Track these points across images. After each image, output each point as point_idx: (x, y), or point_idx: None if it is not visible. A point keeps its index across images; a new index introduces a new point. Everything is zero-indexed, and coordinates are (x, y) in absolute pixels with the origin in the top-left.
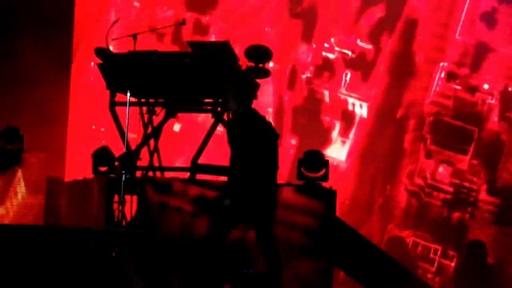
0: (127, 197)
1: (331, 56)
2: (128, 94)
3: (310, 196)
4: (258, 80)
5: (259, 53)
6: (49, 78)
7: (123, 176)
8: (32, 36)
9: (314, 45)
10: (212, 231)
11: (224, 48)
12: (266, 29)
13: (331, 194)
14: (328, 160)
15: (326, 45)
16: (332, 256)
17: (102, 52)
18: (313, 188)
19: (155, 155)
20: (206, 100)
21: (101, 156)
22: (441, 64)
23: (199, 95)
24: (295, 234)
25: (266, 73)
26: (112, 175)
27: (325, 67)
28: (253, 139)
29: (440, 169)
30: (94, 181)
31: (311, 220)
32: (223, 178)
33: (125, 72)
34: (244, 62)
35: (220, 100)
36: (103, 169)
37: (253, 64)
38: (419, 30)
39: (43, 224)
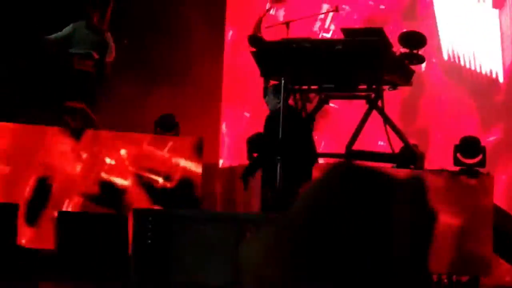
0: None
1: None
2: (283, 81)
3: (468, 182)
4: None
5: (414, 39)
6: (204, 65)
7: (278, 162)
8: (192, 23)
9: None
10: None
11: (377, 34)
12: None
13: (489, 180)
14: (485, 146)
15: None
16: (492, 242)
17: (255, 40)
18: (470, 174)
19: None
20: (360, 87)
21: (256, 142)
22: None
23: (352, 82)
24: (453, 220)
25: (420, 60)
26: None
27: None
28: (289, 132)
29: None
30: None
31: (468, 206)
32: (378, 164)
33: (279, 59)
34: (397, 49)
35: (374, 86)
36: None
37: (407, 50)
38: None
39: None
